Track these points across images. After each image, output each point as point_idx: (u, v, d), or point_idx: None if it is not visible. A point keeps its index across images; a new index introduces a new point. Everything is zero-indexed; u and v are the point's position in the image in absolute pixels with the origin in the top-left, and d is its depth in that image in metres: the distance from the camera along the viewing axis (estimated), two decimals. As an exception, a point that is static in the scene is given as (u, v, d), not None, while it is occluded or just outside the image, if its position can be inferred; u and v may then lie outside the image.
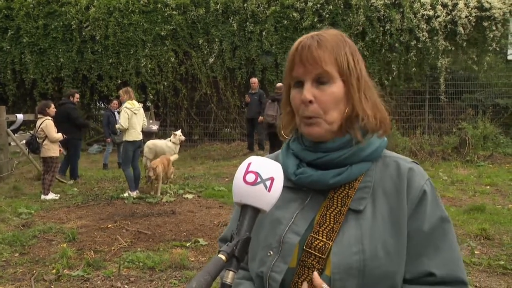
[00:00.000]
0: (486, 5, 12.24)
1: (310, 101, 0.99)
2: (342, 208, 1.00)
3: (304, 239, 1.00)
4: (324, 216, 1.01)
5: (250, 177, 0.86)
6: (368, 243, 0.96)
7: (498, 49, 13.22)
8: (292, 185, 1.06)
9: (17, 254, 4.74)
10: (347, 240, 0.97)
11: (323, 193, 1.04)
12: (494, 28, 12.38)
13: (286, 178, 1.05)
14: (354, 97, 1.00)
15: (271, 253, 1.02)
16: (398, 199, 1.00)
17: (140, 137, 7.64)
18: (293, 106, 1.04)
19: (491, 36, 12.43)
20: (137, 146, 7.66)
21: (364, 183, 1.02)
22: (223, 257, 0.77)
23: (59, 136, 7.69)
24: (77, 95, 9.54)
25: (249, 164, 0.89)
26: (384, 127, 1.05)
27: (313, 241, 0.99)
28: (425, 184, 1.02)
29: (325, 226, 1.00)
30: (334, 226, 0.99)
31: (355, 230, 0.97)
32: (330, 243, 0.97)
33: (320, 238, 0.99)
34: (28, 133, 9.71)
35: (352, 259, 0.95)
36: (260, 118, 11.37)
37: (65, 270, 4.22)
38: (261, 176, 0.86)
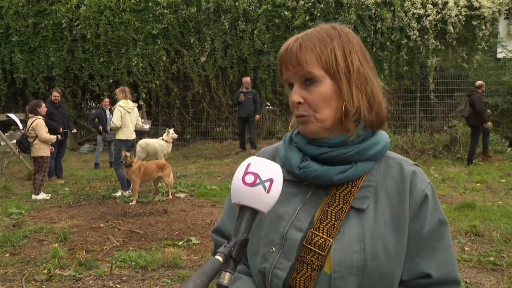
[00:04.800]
0: (476, 4, 12.34)
1: (299, 103, 0.99)
2: (344, 206, 1.00)
3: (304, 235, 1.00)
4: (325, 213, 1.00)
5: (249, 178, 0.85)
6: (369, 243, 0.96)
7: (487, 48, 13.34)
8: (294, 179, 1.05)
9: (7, 255, 4.70)
10: (349, 238, 0.96)
11: (324, 188, 1.03)
12: (483, 27, 12.49)
13: (288, 171, 1.05)
14: (345, 92, 0.98)
15: (274, 249, 1.01)
16: (401, 201, 1.00)
17: (133, 136, 7.60)
18: (290, 106, 1.04)
19: (481, 35, 12.54)
20: (130, 145, 7.62)
21: (368, 182, 1.02)
22: (220, 259, 0.77)
23: (52, 137, 7.63)
24: (54, 93, 9.21)
25: (248, 165, 0.87)
26: (379, 120, 1.04)
27: (313, 237, 0.98)
28: (427, 187, 1.02)
29: (326, 223, 0.99)
30: (335, 223, 0.98)
31: (357, 228, 0.97)
32: (331, 240, 0.97)
33: (320, 234, 0.98)
34: (18, 132, 9.62)
35: (353, 257, 0.95)
36: (257, 116, 11.51)
37: (56, 270, 4.19)
38: (260, 177, 0.85)
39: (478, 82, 10.42)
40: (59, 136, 8.39)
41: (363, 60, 1.01)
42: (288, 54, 0.99)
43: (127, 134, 7.46)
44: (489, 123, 10.23)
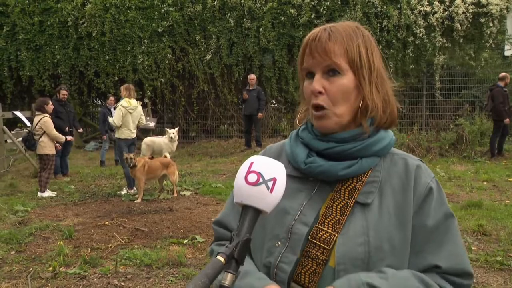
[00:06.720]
0: (483, 1, 12.24)
1: (320, 92, 0.99)
2: (349, 201, 1.00)
3: (310, 230, 1.00)
4: (331, 208, 1.01)
5: (252, 177, 0.84)
6: (374, 235, 0.96)
7: (494, 45, 13.24)
8: (299, 175, 1.06)
9: (13, 252, 4.72)
10: (353, 231, 0.97)
11: (330, 184, 1.04)
12: (491, 24, 12.39)
13: (294, 167, 1.06)
14: (365, 89, 1.00)
15: (279, 243, 1.01)
16: (405, 196, 1.01)
17: (132, 135, 7.61)
18: (305, 96, 1.05)
19: (488, 32, 12.44)
20: (130, 143, 7.64)
21: (372, 178, 1.03)
22: (222, 259, 0.76)
23: (61, 137, 7.64)
24: (62, 92, 9.18)
25: (251, 164, 0.86)
26: (390, 121, 1.06)
27: (318, 232, 0.99)
28: (431, 181, 1.03)
29: (331, 218, 1.00)
30: (340, 218, 0.99)
31: (361, 222, 0.98)
32: (336, 235, 0.97)
33: (326, 229, 0.99)
34: (24, 130, 9.66)
35: (357, 250, 0.95)
36: (260, 114, 11.47)
37: (61, 268, 4.19)
38: (263, 177, 0.84)
39: (502, 74, 10.49)
40: (67, 137, 8.40)
41: (381, 61, 1.05)
42: (317, 42, 1.00)
43: (126, 134, 7.50)
44: (507, 120, 10.12)
